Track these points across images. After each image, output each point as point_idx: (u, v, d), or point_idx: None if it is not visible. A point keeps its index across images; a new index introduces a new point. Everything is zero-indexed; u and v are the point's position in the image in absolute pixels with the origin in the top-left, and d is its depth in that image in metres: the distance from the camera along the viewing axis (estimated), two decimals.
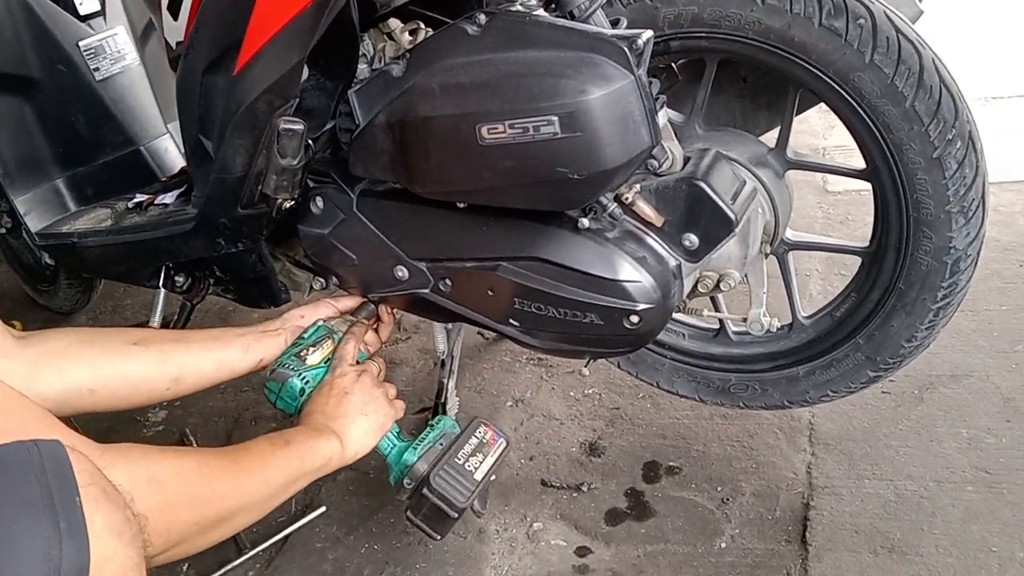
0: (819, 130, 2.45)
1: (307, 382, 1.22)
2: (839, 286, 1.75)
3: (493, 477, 1.22)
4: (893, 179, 1.14)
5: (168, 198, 1.65)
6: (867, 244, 1.27)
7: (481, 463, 1.17)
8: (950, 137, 1.07)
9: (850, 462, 1.43)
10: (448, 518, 1.14)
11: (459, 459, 1.17)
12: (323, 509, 1.53)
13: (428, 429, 1.23)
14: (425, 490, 1.14)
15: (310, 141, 1.25)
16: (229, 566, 1.45)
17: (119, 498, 0.79)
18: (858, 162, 1.23)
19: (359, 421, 1.16)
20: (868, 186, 1.22)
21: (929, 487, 1.35)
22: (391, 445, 1.20)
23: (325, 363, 1.25)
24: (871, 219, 1.26)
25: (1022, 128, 2.28)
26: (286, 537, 1.49)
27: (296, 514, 1.54)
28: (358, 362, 1.24)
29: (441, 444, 1.19)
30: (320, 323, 1.30)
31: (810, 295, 1.80)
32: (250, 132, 1.22)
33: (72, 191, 1.80)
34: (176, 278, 1.57)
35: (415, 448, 1.19)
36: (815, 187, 2.23)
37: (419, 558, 1.41)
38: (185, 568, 1.46)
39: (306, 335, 1.28)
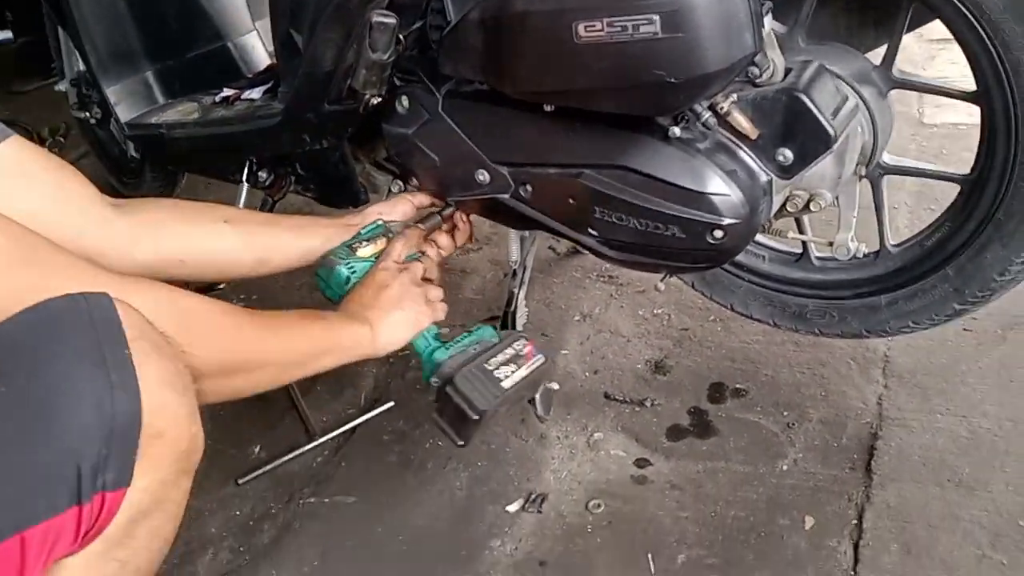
0: (919, 59, 2.33)
1: (354, 271, 1.22)
2: (927, 220, 1.69)
3: (536, 393, 1.19)
4: (1005, 102, 1.08)
5: (255, 93, 1.67)
6: (968, 171, 1.21)
7: (513, 373, 1.15)
8: None
9: (924, 396, 1.40)
10: (469, 420, 1.11)
11: (489, 365, 1.15)
12: (391, 404, 1.58)
13: (465, 334, 1.22)
14: (448, 389, 1.12)
15: (400, 36, 1.24)
16: (299, 451, 1.51)
17: (169, 350, 0.81)
18: (962, 87, 1.18)
19: (394, 314, 1.16)
20: (966, 120, 1.17)
21: (1004, 426, 1.32)
22: (427, 344, 1.20)
23: (374, 257, 1.25)
24: (967, 154, 1.21)
25: None
26: (354, 428, 1.55)
27: (365, 407, 1.60)
28: (406, 262, 1.24)
29: (475, 349, 1.18)
30: (379, 221, 1.30)
31: (897, 228, 1.74)
32: (342, 25, 1.21)
33: (161, 84, 1.83)
34: (259, 173, 1.60)
35: (447, 348, 1.18)
36: (911, 119, 2.14)
37: (481, 457, 1.45)
38: (257, 451, 1.52)
39: (363, 231, 1.29)
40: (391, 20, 1.17)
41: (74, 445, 0.72)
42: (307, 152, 1.46)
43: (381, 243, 1.27)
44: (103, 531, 0.77)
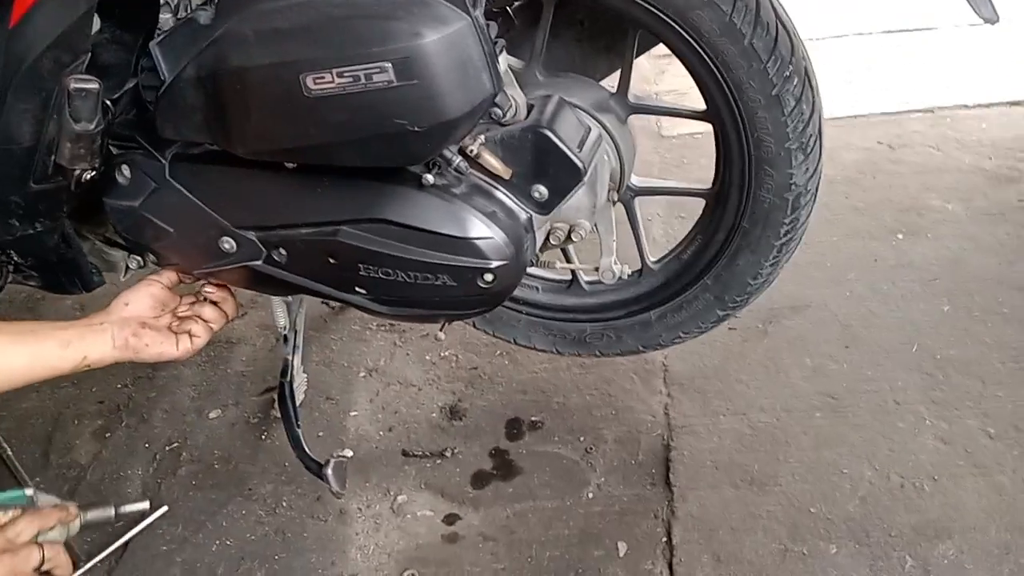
0: (650, 76, 2.47)
1: None
2: (680, 229, 1.78)
3: None
4: (734, 118, 1.14)
5: None
6: (710, 186, 1.27)
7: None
8: (787, 74, 1.08)
9: (704, 399, 1.46)
10: None
11: None
12: (164, 509, 1.40)
13: None
14: None
15: (108, 102, 1.10)
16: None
17: None
18: (696, 104, 1.23)
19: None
20: (702, 129, 1.22)
21: (780, 417, 1.40)
22: None
23: None
24: (707, 161, 1.26)
25: (840, 67, 2.40)
26: (126, 544, 1.36)
27: (135, 517, 1.40)
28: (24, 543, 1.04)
29: None
30: (26, 492, 1.16)
31: (654, 239, 1.82)
32: (36, 94, 1.05)
33: None
34: None
35: None
36: (650, 132, 2.26)
37: (277, 549, 1.32)
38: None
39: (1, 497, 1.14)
40: (93, 85, 1.03)
41: None
42: (20, 237, 1.27)
43: (10, 515, 1.09)
44: None
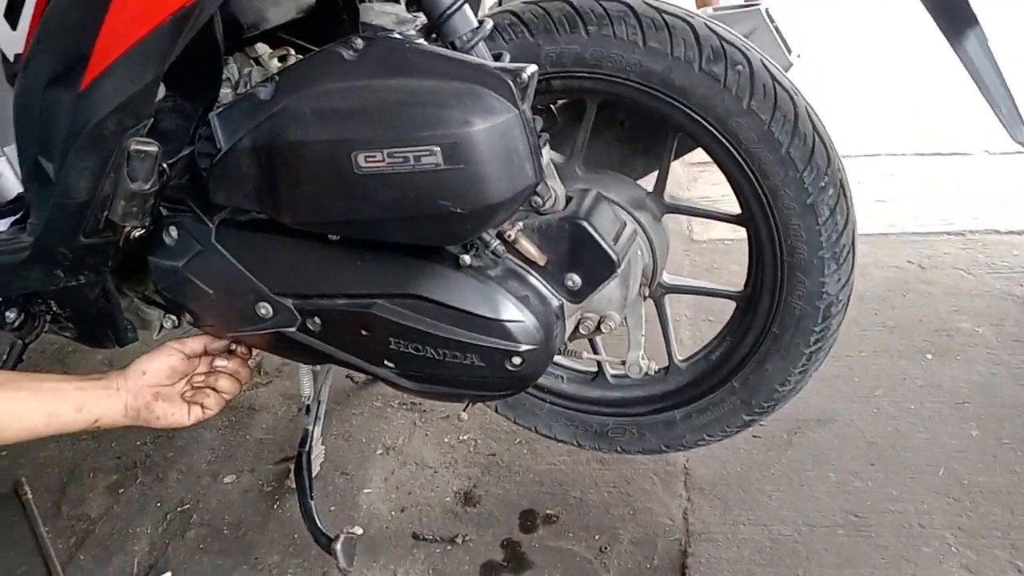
0: (684, 181, 2.53)
1: None
2: (708, 332, 1.78)
3: None
4: (768, 224, 1.15)
5: (1, 225, 1.48)
6: (742, 288, 1.28)
7: None
8: (823, 184, 1.10)
9: (725, 507, 1.43)
10: None
11: None
12: (168, 574, 1.38)
13: None
14: None
15: (165, 166, 1.15)
16: None
17: None
18: (728, 209, 1.25)
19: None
20: (732, 236, 1.24)
21: (802, 531, 1.36)
22: None
23: None
24: (737, 267, 1.28)
25: (872, 185, 2.44)
26: None
27: None
28: None
29: None
30: None
31: (681, 340, 1.82)
32: (97, 153, 1.10)
33: None
34: (7, 313, 1.39)
35: None
36: (682, 236, 2.29)
37: None
38: None
39: None
40: (152, 148, 1.07)
41: None
42: (63, 288, 1.30)
43: None
44: None
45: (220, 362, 1.20)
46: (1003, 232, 2.15)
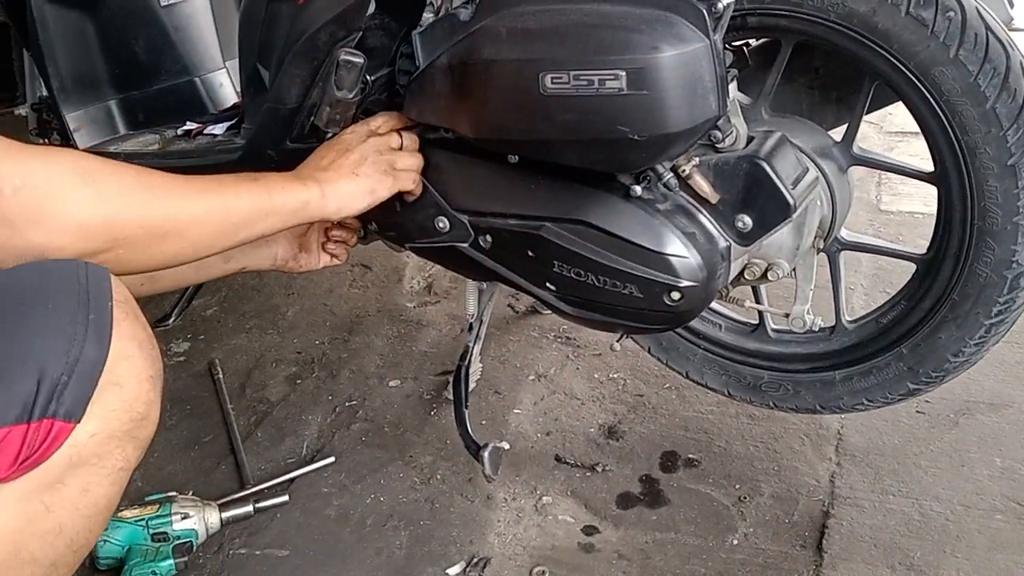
0: (879, 150, 2.39)
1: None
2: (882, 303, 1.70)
3: None
4: (962, 184, 1.09)
5: (217, 129, 1.64)
6: (925, 251, 1.22)
7: None
8: None
9: (876, 476, 1.38)
10: None
11: None
12: (332, 459, 1.51)
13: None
14: None
15: (369, 78, 1.23)
16: (231, 496, 1.43)
17: (146, 324, 0.85)
18: (920, 167, 1.20)
19: (348, 180, 1.12)
20: (924, 209, 1.18)
21: (956, 511, 1.30)
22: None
23: (134, 520, 1.30)
24: (922, 241, 1.22)
25: None
26: (292, 479, 1.48)
27: (307, 456, 1.53)
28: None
29: None
30: (173, 494, 1.37)
31: (852, 308, 1.75)
32: (309, 62, 1.20)
33: (124, 114, 1.79)
34: None
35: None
36: (868, 205, 2.18)
37: (424, 515, 1.39)
38: (190, 494, 1.45)
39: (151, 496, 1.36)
40: (359, 59, 1.16)
41: (39, 362, 0.75)
42: None
43: (151, 509, 1.32)
44: (39, 464, 0.77)
45: (335, 231, 1.34)
46: None
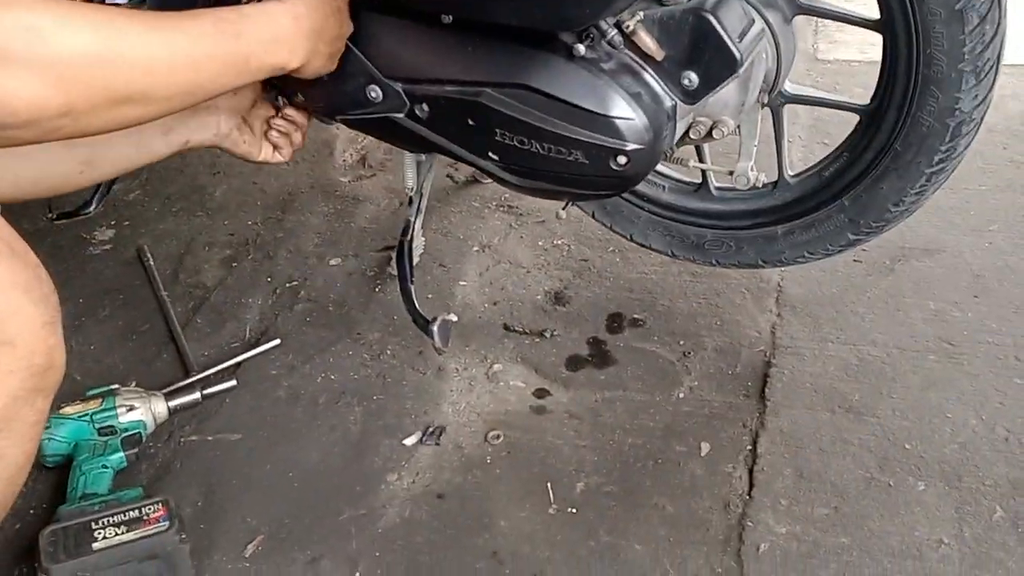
0: None
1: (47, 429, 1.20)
2: (820, 154, 1.71)
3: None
4: (908, 30, 1.07)
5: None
6: (868, 101, 1.21)
7: (115, 536, 1.08)
8: None
9: (815, 325, 1.43)
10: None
11: (96, 524, 1.08)
12: (277, 341, 1.49)
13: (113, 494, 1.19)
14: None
15: None
16: (176, 385, 1.41)
17: (28, 255, 0.75)
18: (865, 14, 1.17)
19: (328, 51, 1.05)
20: (860, 57, 1.17)
21: (892, 353, 1.36)
22: (74, 489, 1.19)
23: (78, 416, 1.26)
24: (860, 90, 1.21)
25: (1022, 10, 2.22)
26: (238, 364, 1.46)
27: (250, 340, 1.51)
28: None
29: (100, 506, 1.13)
30: (114, 386, 1.32)
31: (791, 161, 1.75)
32: None
33: None
34: None
35: (78, 503, 1.15)
36: (805, 54, 2.16)
37: (376, 390, 1.40)
38: (133, 384, 1.42)
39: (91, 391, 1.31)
40: None
41: None
42: None
43: (93, 404, 1.27)
44: None
45: (291, 111, 1.25)
46: None
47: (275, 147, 1.26)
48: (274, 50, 0.96)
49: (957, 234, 1.57)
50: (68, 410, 1.27)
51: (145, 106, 0.83)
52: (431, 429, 1.33)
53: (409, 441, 1.31)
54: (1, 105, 0.70)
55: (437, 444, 1.30)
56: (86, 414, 1.27)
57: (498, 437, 1.31)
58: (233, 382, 1.41)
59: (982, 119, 1.12)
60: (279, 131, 1.25)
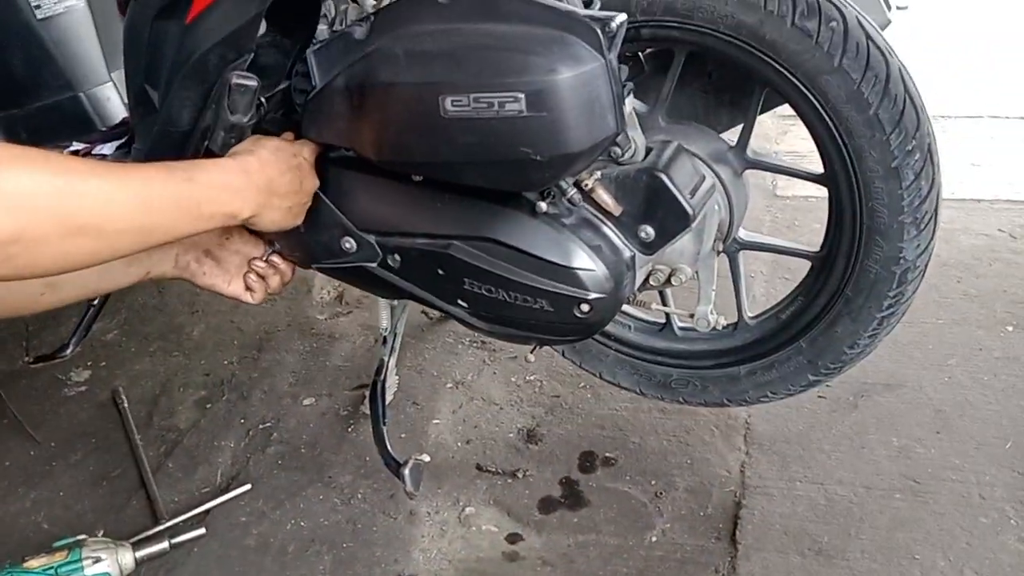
0: (772, 135, 2.48)
1: None
2: (782, 290, 1.77)
3: None
4: (850, 185, 1.14)
5: (106, 149, 1.57)
6: (818, 249, 1.27)
7: None
8: (910, 148, 1.08)
9: (783, 463, 1.44)
10: None
11: None
12: (248, 487, 1.48)
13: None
14: None
15: (263, 99, 1.20)
16: (145, 534, 1.39)
17: None
18: (814, 167, 1.24)
19: (284, 205, 1.09)
20: (816, 193, 1.23)
21: (859, 492, 1.37)
22: None
23: (42, 570, 1.25)
24: (818, 225, 1.27)
25: (969, 148, 2.35)
26: (207, 510, 1.44)
27: (221, 485, 1.49)
28: None
29: None
30: (80, 538, 1.32)
31: (754, 297, 1.82)
32: (199, 84, 1.16)
33: (4, 133, 1.70)
34: None
35: None
36: (765, 191, 2.26)
37: (347, 537, 1.38)
38: (100, 535, 1.39)
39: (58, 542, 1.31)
40: (252, 83, 1.12)
41: None
42: None
43: (59, 556, 1.27)
44: None
45: (276, 259, 1.27)
46: None
47: (248, 287, 1.27)
48: (225, 198, 1.01)
49: (917, 368, 1.61)
50: (32, 563, 1.25)
51: (97, 240, 0.85)
52: None
53: None
54: None
55: None
56: (51, 567, 1.25)
57: None
58: (202, 530, 1.39)
59: (926, 266, 1.18)
60: (257, 273, 1.28)
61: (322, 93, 1.14)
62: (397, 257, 1.21)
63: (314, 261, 1.30)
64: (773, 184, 2.30)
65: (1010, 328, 1.70)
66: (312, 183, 1.17)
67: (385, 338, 1.51)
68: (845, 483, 1.39)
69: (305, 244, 1.28)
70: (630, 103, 1.08)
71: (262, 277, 1.27)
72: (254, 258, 1.27)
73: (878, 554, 1.26)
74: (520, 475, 1.48)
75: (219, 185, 1.01)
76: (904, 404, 1.54)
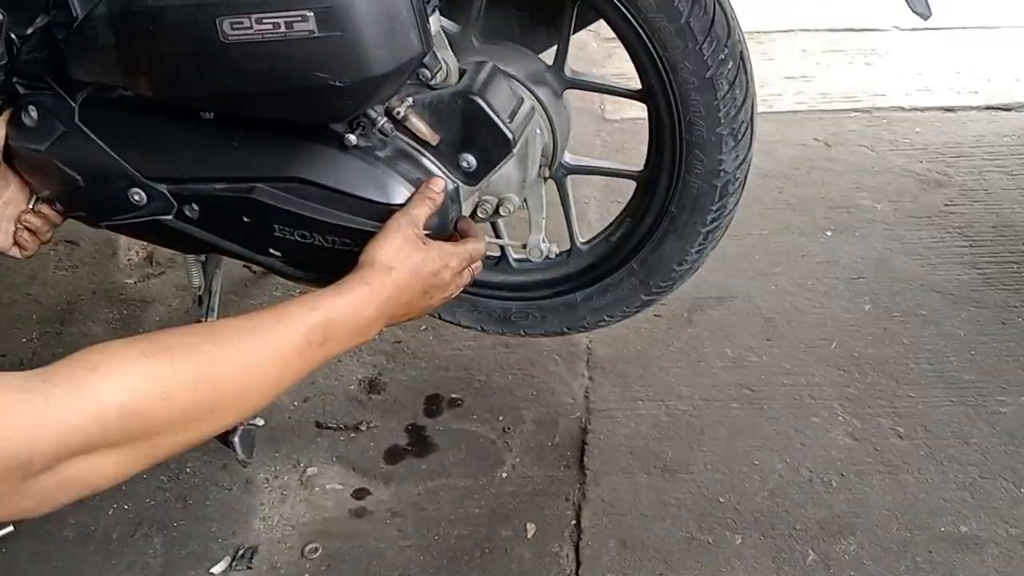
0: (598, 58, 2.45)
1: None
2: (615, 213, 1.76)
3: None
4: (668, 100, 1.12)
5: None
6: (641, 168, 1.26)
7: None
8: (722, 56, 1.06)
9: (625, 384, 1.45)
10: None
11: None
12: None
13: None
14: None
15: (14, 36, 1.04)
16: None
17: None
18: (630, 86, 1.21)
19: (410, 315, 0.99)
20: (643, 116, 1.20)
21: (698, 406, 1.40)
22: None
23: None
24: (645, 147, 1.25)
25: (784, 62, 2.42)
26: None
27: None
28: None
29: None
30: None
31: (588, 222, 1.80)
32: None
33: None
34: None
35: None
36: (594, 115, 2.24)
37: (177, 515, 1.27)
38: None
39: None
40: None
41: None
42: None
43: None
44: None
45: (43, 207, 1.16)
46: (907, 109, 2.17)
47: (17, 244, 1.15)
48: (356, 343, 0.92)
49: (745, 279, 1.66)
50: None
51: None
52: (241, 552, 1.22)
53: (218, 569, 1.21)
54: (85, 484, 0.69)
55: (249, 568, 1.20)
56: None
57: (316, 550, 1.22)
58: (10, 527, 1.24)
59: (746, 176, 1.18)
60: (27, 227, 1.15)
61: (85, 24, 0.99)
62: (195, 207, 1.09)
63: (102, 219, 1.16)
64: (602, 108, 2.29)
65: (829, 233, 1.77)
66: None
67: (200, 297, 1.39)
68: (684, 398, 1.41)
69: (89, 200, 1.14)
70: (435, 21, 0.99)
71: (33, 232, 1.15)
72: (22, 212, 1.14)
73: (720, 464, 1.29)
74: (364, 428, 1.42)
75: (351, 334, 0.90)
76: (735, 315, 1.58)
